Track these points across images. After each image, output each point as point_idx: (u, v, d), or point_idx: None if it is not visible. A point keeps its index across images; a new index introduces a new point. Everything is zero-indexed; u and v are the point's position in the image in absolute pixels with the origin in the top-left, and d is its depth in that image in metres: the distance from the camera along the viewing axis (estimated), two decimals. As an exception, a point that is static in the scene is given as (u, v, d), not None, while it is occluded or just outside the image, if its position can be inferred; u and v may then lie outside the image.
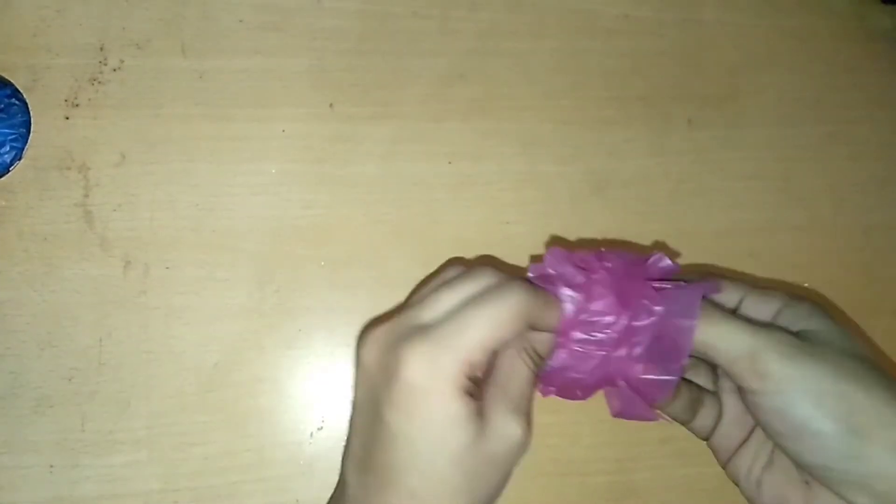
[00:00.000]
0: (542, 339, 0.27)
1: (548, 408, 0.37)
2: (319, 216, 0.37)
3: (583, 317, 0.27)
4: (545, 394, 0.29)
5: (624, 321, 0.27)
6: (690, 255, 0.40)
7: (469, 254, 0.38)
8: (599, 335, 0.27)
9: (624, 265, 0.28)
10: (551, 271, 0.28)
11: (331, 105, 0.38)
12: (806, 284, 0.41)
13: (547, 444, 0.37)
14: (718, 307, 0.28)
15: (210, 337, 0.35)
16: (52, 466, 0.33)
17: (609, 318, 0.27)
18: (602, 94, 0.41)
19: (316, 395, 0.36)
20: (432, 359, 0.24)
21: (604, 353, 0.27)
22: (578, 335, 0.27)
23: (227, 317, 0.35)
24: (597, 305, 0.27)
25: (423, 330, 0.24)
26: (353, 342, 0.36)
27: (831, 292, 0.42)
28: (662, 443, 0.38)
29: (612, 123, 0.41)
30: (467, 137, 0.39)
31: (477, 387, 0.25)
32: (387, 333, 0.25)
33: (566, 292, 0.27)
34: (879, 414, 0.24)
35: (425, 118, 0.39)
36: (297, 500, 0.35)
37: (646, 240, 0.40)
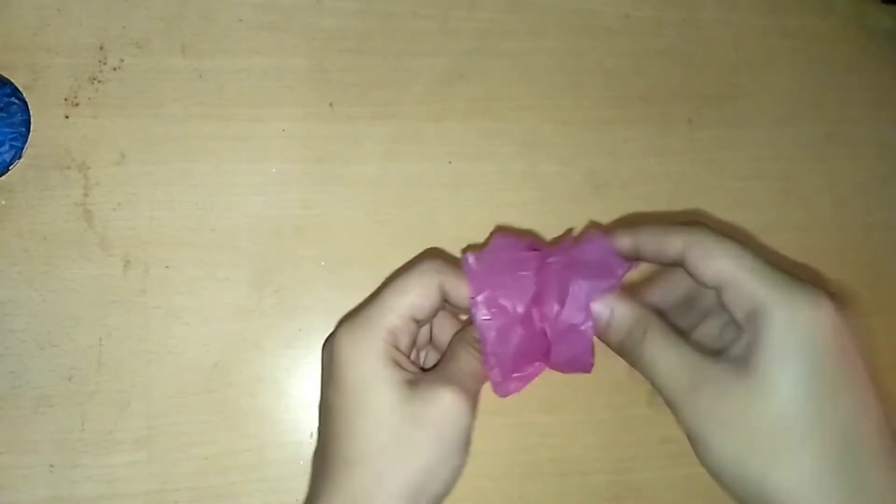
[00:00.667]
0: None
1: (547, 408, 0.37)
2: (319, 216, 0.37)
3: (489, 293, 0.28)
4: (499, 387, 0.29)
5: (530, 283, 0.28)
6: (690, 255, 0.40)
7: (469, 253, 0.38)
8: (506, 301, 0.28)
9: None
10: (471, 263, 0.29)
11: (331, 105, 0.38)
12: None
13: (547, 444, 0.37)
14: (665, 328, 0.26)
15: (210, 337, 0.35)
16: (51, 466, 0.33)
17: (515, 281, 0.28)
18: (602, 94, 0.41)
19: (316, 395, 0.36)
20: (354, 333, 0.26)
21: (519, 312, 0.28)
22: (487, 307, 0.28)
23: (226, 316, 0.35)
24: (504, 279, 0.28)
25: (350, 316, 0.28)
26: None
27: (832, 292, 0.42)
28: (662, 442, 0.38)
29: (611, 123, 0.41)
30: (467, 137, 0.39)
31: (407, 358, 0.27)
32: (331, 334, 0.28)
33: (470, 258, 0.28)
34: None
35: (425, 118, 0.39)
36: (297, 500, 0.35)
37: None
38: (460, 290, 0.28)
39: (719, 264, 0.25)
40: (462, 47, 0.40)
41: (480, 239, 0.38)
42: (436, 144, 0.38)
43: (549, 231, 0.39)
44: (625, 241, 0.29)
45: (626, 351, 0.27)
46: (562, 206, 0.39)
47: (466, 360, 0.28)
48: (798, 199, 0.42)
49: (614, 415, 0.38)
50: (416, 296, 0.27)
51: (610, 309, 0.27)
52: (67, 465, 0.33)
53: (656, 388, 0.26)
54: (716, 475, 0.24)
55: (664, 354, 0.25)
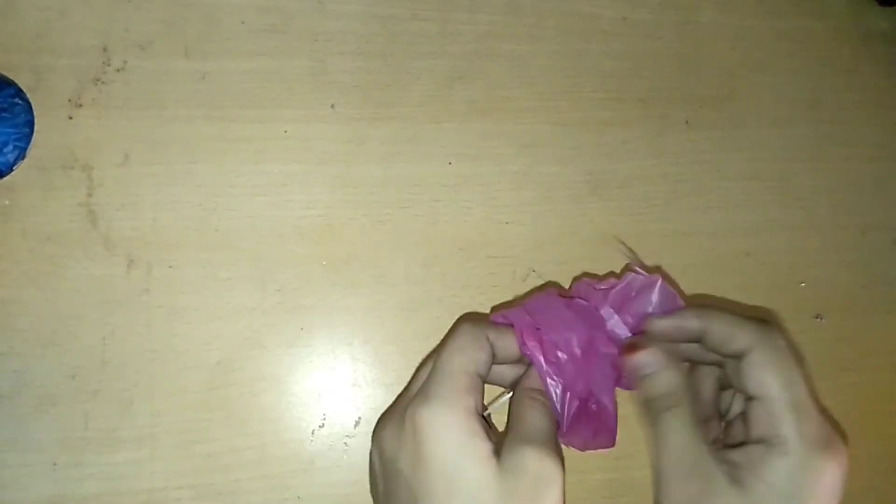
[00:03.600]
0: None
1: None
2: (321, 216, 0.37)
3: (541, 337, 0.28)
4: (569, 441, 0.29)
5: (582, 333, 0.28)
6: (688, 256, 0.41)
7: (469, 253, 0.38)
8: (561, 354, 0.28)
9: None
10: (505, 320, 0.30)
11: (332, 106, 0.38)
12: (802, 284, 0.42)
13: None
14: (690, 411, 0.27)
15: (212, 335, 0.35)
16: (55, 464, 0.33)
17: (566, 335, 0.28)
18: (600, 96, 0.41)
19: (317, 393, 0.36)
20: (432, 408, 0.25)
21: (571, 366, 0.28)
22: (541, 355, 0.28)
23: (229, 316, 0.35)
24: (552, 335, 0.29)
25: (415, 393, 0.26)
26: (353, 341, 0.37)
27: (827, 292, 0.42)
28: (660, 441, 0.38)
29: (610, 124, 0.41)
30: (467, 138, 0.39)
31: (486, 421, 0.26)
32: (391, 414, 0.27)
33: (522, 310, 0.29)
34: None
35: (425, 119, 0.39)
36: (299, 497, 0.35)
37: (644, 240, 0.40)
38: (506, 341, 0.28)
39: (768, 379, 0.26)
40: (462, 49, 0.40)
41: (480, 239, 0.38)
42: (436, 145, 0.39)
43: (549, 231, 0.39)
44: (692, 323, 0.29)
45: (646, 408, 0.28)
46: (561, 207, 0.40)
47: (537, 416, 0.27)
48: (795, 200, 0.43)
49: (613, 413, 0.38)
50: (474, 350, 0.27)
51: (656, 367, 0.27)
52: (71, 463, 0.33)
53: (654, 453, 0.26)
54: None
55: (679, 435, 0.26)
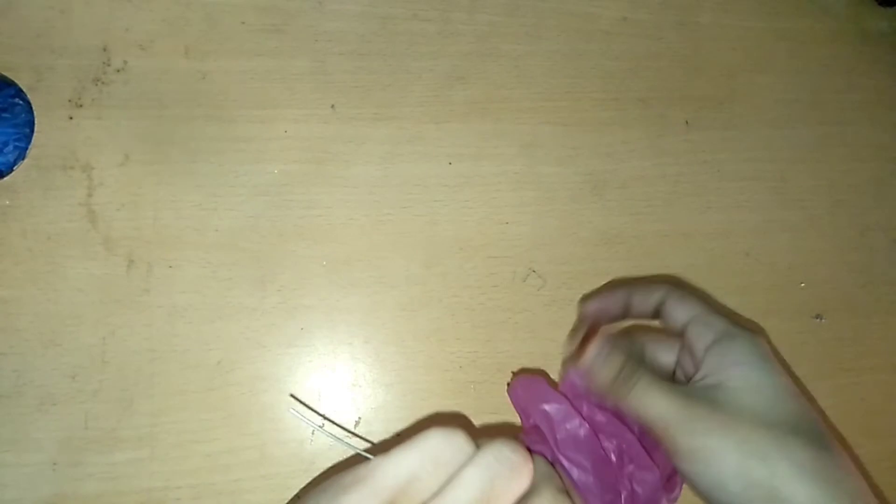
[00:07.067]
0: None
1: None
2: (321, 216, 0.37)
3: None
4: None
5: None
6: (687, 256, 0.41)
7: (469, 253, 0.38)
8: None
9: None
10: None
11: (332, 106, 0.38)
12: (802, 284, 0.42)
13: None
14: (650, 374, 0.28)
15: (212, 335, 0.35)
16: (55, 464, 0.33)
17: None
18: (600, 96, 0.41)
19: (317, 393, 0.36)
20: None
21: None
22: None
23: (229, 315, 0.35)
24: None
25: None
26: (353, 341, 0.37)
27: (827, 293, 0.42)
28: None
29: (610, 125, 0.41)
30: (467, 139, 0.39)
31: None
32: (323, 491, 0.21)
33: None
34: (776, 490, 0.24)
35: (425, 119, 0.39)
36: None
37: (644, 240, 0.40)
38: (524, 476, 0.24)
39: (690, 307, 0.30)
40: (462, 50, 0.40)
41: (480, 239, 0.38)
42: (436, 146, 0.39)
43: (548, 231, 0.39)
44: (618, 294, 0.33)
45: (614, 391, 0.29)
46: (560, 207, 0.40)
47: None
48: (794, 200, 0.43)
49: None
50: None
51: (603, 353, 0.30)
52: (71, 463, 0.33)
53: (646, 423, 0.28)
54: (719, 491, 0.25)
55: (652, 392, 0.28)
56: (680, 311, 0.30)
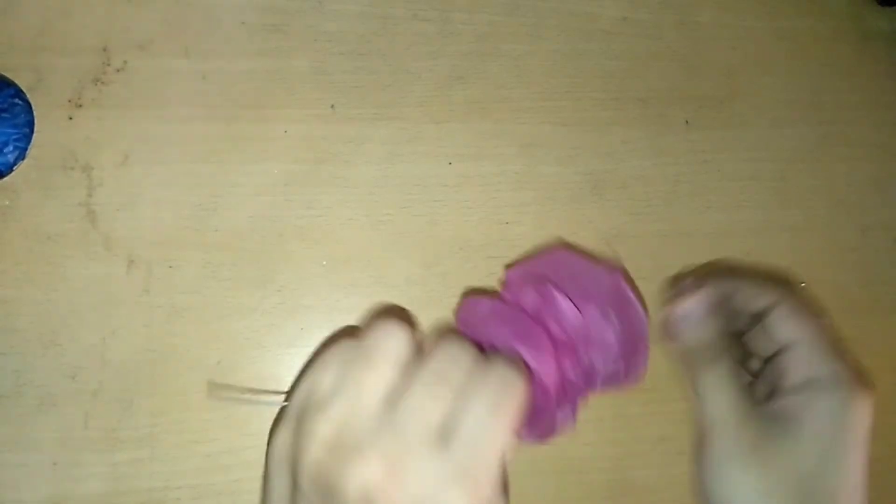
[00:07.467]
0: None
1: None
2: (321, 216, 0.37)
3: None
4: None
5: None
6: (687, 256, 0.40)
7: (469, 254, 0.38)
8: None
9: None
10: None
11: (332, 106, 0.38)
12: (802, 284, 0.42)
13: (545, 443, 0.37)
14: (731, 367, 0.28)
15: (212, 336, 0.35)
16: (55, 464, 0.33)
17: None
18: (600, 96, 0.41)
19: (317, 394, 0.36)
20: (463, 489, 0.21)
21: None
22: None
23: (229, 316, 0.35)
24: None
25: (440, 455, 0.21)
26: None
27: (827, 292, 0.42)
28: (661, 441, 0.38)
29: (610, 125, 0.41)
30: (467, 138, 0.39)
31: None
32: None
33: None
34: None
35: (425, 119, 0.39)
36: (299, 498, 0.35)
37: (644, 240, 0.40)
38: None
39: (799, 328, 0.27)
40: (462, 49, 0.40)
41: (480, 239, 0.38)
42: (436, 146, 0.39)
43: (548, 231, 0.39)
44: (725, 284, 0.30)
45: (688, 362, 0.28)
46: (560, 207, 0.40)
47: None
48: (794, 200, 0.43)
49: (613, 413, 0.38)
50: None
51: (699, 317, 0.28)
52: (70, 463, 0.33)
53: (701, 407, 0.27)
54: (733, 489, 0.25)
55: (726, 388, 0.27)
56: (785, 329, 0.28)
